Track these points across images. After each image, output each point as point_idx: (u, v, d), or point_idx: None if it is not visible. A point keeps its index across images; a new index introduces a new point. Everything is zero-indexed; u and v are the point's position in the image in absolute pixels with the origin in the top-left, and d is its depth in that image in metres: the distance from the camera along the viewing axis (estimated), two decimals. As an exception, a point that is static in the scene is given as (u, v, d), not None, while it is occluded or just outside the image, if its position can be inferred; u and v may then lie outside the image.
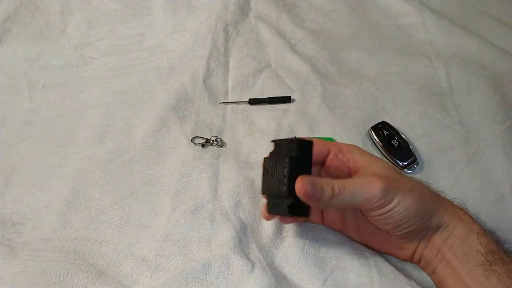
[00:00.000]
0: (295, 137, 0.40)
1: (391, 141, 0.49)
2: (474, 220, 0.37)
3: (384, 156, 0.49)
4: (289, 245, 0.42)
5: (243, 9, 0.67)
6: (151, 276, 0.40)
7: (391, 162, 0.49)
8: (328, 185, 0.35)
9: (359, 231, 0.41)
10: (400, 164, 0.48)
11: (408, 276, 0.39)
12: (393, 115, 0.54)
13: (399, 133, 0.50)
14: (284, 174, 0.36)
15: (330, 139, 0.51)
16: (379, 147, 0.50)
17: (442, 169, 0.49)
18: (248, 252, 0.41)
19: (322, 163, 0.40)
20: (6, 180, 0.49)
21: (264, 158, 0.39)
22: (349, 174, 0.39)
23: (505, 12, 0.68)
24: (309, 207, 0.37)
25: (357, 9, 0.69)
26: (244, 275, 0.39)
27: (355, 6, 0.69)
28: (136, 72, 0.60)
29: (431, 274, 0.38)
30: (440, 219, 0.36)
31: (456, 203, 0.38)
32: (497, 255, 0.34)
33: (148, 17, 0.67)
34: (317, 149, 0.39)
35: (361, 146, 0.50)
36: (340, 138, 0.51)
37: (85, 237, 0.44)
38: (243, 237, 0.42)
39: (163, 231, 0.43)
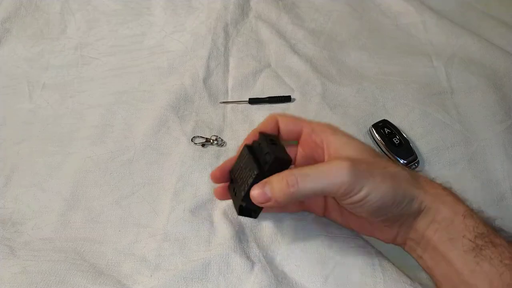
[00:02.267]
0: (277, 146, 0.36)
1: (392, 139, 0.49)
2: (459, 200, 0.34)
3: (385, 154, 0.49)
4: (290, 243, 0.42)
5: (243, 9, 0.67)
6: (151, 276, 0.40)
7: (392, 160, 0.49)
8: (283, 178, 0.33)
9: (342, 214, 0.40)
10: (401, 162, 0.48)
11: (412, 277, 0.39)
12: (393, 114, 0.54)
13: (400, 131, 0.50)
14: (248, 182, 0.35)
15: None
16: (380, 145, 0.50)
17: (443, 168, 0.49)
18: (248, 251, 0.41)
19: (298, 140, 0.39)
20: (6, 180, 0.49)
21: (245, 145, 0.38)
22: (323, 155, 0.37)
23: (505, 12, 0.68)
24: (260, 209, 0.37)
25: (357, 9, 0.69)
26: (244, 274, 0.39)
27: (355, 6, 0.69)
28: (136, 72, 0.60)
29: (418, 258, 0.37)
30: (419, 203, 0.34)
31: (439, 183, 0.36)
32: (487, 238, 0.32)
33: (148, 17, 0.67)
34: (288, 128, 0.38)
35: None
36: (340, 137, 0.51)
37: (85, 237, 0.44)
38: (243, 236, 0.42)
39: (162, 230, 0.43)
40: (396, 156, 0.48)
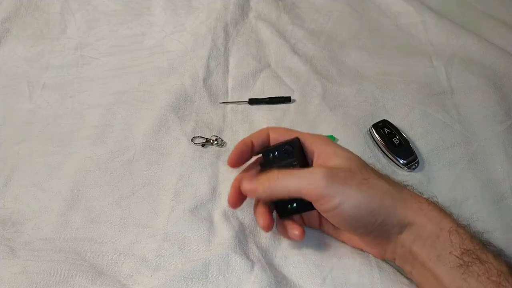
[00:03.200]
0: (285, 141, 0.40)
1: (392, 139, 0.49)
2: (445, 214, 0.34)
3: (385, 154, 0.49)
4: (288, 244, 0.42)
5: (243, 9, 0.67)
6: (151, 276, 0.40)
7: (392, 160, 0.49)
8: (267, 175, 0.36)
9: (334, 227, 0.41)
10: (401, 162, 0.48)
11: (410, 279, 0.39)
12: (393, 114, 0.54)
13: (399, 131, 0.50)
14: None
15: (331, 137, 0.51)
16: (380, 145, 0.50)
17: (443, 168, 0.49)
18: (248, 252, 0.41)
19: None
20: (6, 180, 0.49)
21: (262, 170, 0.41)
22: (312, 164, 0.39)
23: (505, 12, 0.68)
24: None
25: (357, 9, 0.69)
26: (244, 274, 0.39)
27: (355, 6, 0.69)
28: (136, 72, 0.60)
29: (409, 274, 0.37)
30: (401, 217, 0.34)
31: (425, 197, 0.36)
32: (474, 255, 0.32)
33: (148, 17, 0.67)
34: (280, 139, 0.40)
35: (362, 143, 0.50)
36: (341, 136, 0.51)
37: (85, 237, 0.44)
38: (242, 237, 0.42)
39: (162, 231, 0.43)
40: (396, 156, 0.48)
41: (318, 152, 0.38)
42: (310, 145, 0.39)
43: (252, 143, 0.41)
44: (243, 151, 0.41)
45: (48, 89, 0.59)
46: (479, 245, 0.32)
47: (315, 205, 0.35)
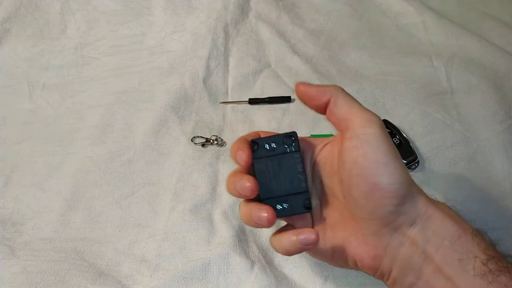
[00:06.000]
0: (284, 133, 0.36)
1: (392, 139, 0.49)
2: (462, 219, 0.29)
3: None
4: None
5: (243, 9, 0.67)
6: (151, 276, 0.40)
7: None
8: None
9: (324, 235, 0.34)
10: (401, 163, 0.48)
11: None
12: (393, 114, 0.54)
13: (400, 131, 0.50)
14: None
15: (331, 136, 0.51)
16: (379, 146, 0.50)
17: (443, 168, 0.49)
18: (248, 251, 0.41)
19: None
20: (6, 180, 0.49)
21: (255, 160, 0.35)
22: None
23: (505, 12, 0.67)
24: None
25: (357, 9, 0.69)
26: (244, 274, 0.39)
27: (355, 6, 0.69)
28: (136, 72, 0.60)
29: (409, 287, 0.29)
30: (420, 205, 0.29)
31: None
32: (501, 263, 0.27)
33: (148, 17, 0.67)
34: (316, 96, 0.36)
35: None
36: (340, 137, 0.51)
37: (85, 237, 0.44)
38: (242, 236, 0.42)
39: (162, 230, 0.43)
40: (396, 156, 0.48)
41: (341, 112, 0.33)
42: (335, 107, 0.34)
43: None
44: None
45: (48, 89, 0.59)
46: (502, 254, 0.28)
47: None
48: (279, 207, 0.34)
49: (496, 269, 0.26)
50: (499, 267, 0.27)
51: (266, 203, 0.33)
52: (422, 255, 0.29)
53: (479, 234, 0.28)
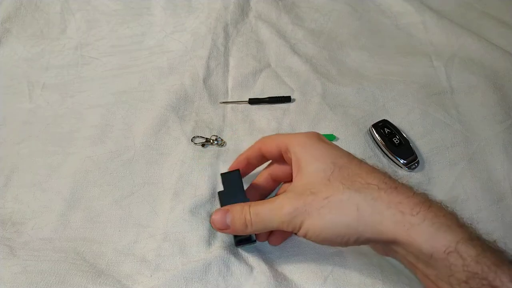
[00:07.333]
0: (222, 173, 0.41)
1: (392, 139, 0.49)
2: (441, 227, 0.28)
3: (385, 153, 0.50)
4: (289, 244, 0.42)
5: (243, 9, 0.67)
6: (151, 276, 0.40)
7: (392, 160, 0.49)
8: (242, 213, 0.35)
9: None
10: (401, 161, 0.48)
11: (411, 278, 0.39)
12: (393, 114, 0.54)
13: (400, 131, 0.50)
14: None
15: (331, 136, 0.51)
16: (380, 144, 0.50)
17: (443, 168, 0.49)
18: (248, 252, 0.41)
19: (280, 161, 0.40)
20: (6, 180, 0.49)
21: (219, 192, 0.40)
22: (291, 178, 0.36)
23: (505, 12, 0.68)
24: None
25: (357, 9, 0.69)
26: (244, 274, 0.39)
27: (355, 6, 0.69)
28: (136, 72, 0.60)
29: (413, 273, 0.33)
30: (382, 235, 0.30)
31: (417, 202, 0.30)
32: (484, 280, 0.26)
33: (148, 17, 0.67)
34: (272, 153, 0.39)
35: (362, 143, 0.50)
36: (341, 136, 0.51)
37: (85, 237, 0.44)
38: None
39: (162, 230, 0.43)
40: (396, 156, 0.48)
41: (296, 158, 0.35)
42: (290, 152, 0.36)
43: (247, 160, 0.41)
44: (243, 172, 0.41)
45: (48, 89, 0.59)
46: (489, 266, 0.26)
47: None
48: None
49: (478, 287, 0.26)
50: (482, 285, 0.26)
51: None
52: (413, 266, 0.31)
53: (456, 250, 0.27)
